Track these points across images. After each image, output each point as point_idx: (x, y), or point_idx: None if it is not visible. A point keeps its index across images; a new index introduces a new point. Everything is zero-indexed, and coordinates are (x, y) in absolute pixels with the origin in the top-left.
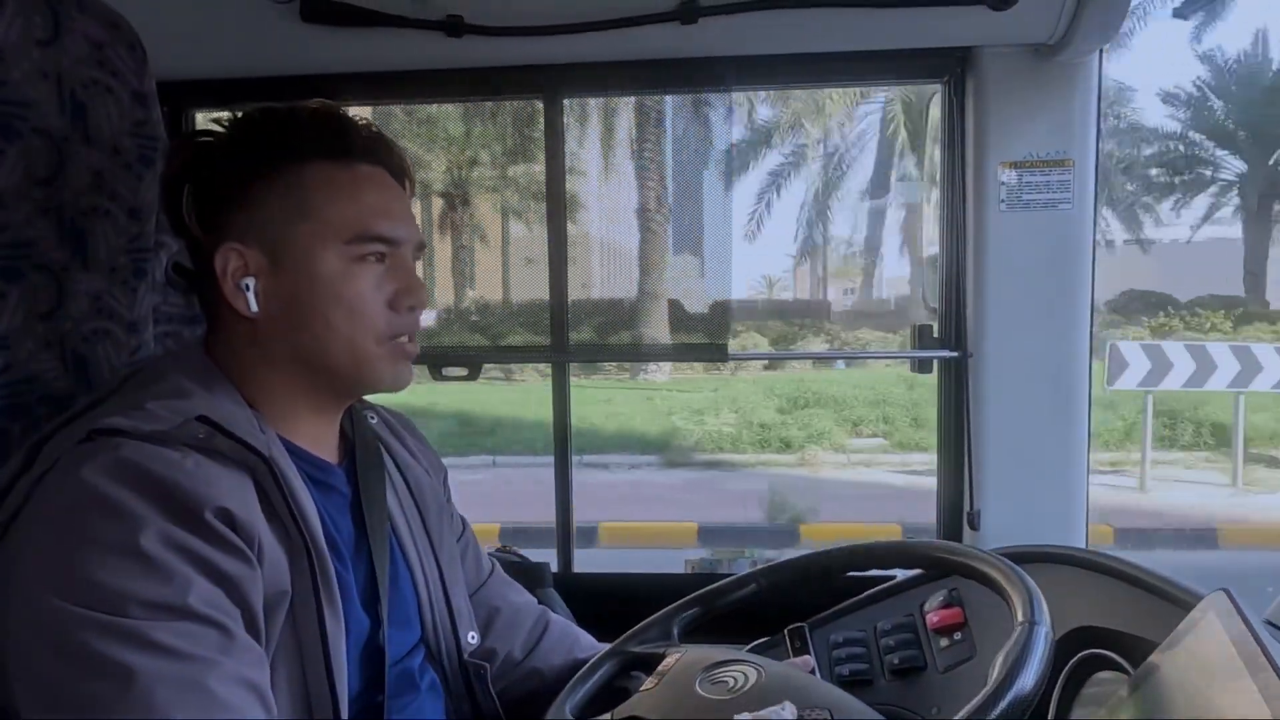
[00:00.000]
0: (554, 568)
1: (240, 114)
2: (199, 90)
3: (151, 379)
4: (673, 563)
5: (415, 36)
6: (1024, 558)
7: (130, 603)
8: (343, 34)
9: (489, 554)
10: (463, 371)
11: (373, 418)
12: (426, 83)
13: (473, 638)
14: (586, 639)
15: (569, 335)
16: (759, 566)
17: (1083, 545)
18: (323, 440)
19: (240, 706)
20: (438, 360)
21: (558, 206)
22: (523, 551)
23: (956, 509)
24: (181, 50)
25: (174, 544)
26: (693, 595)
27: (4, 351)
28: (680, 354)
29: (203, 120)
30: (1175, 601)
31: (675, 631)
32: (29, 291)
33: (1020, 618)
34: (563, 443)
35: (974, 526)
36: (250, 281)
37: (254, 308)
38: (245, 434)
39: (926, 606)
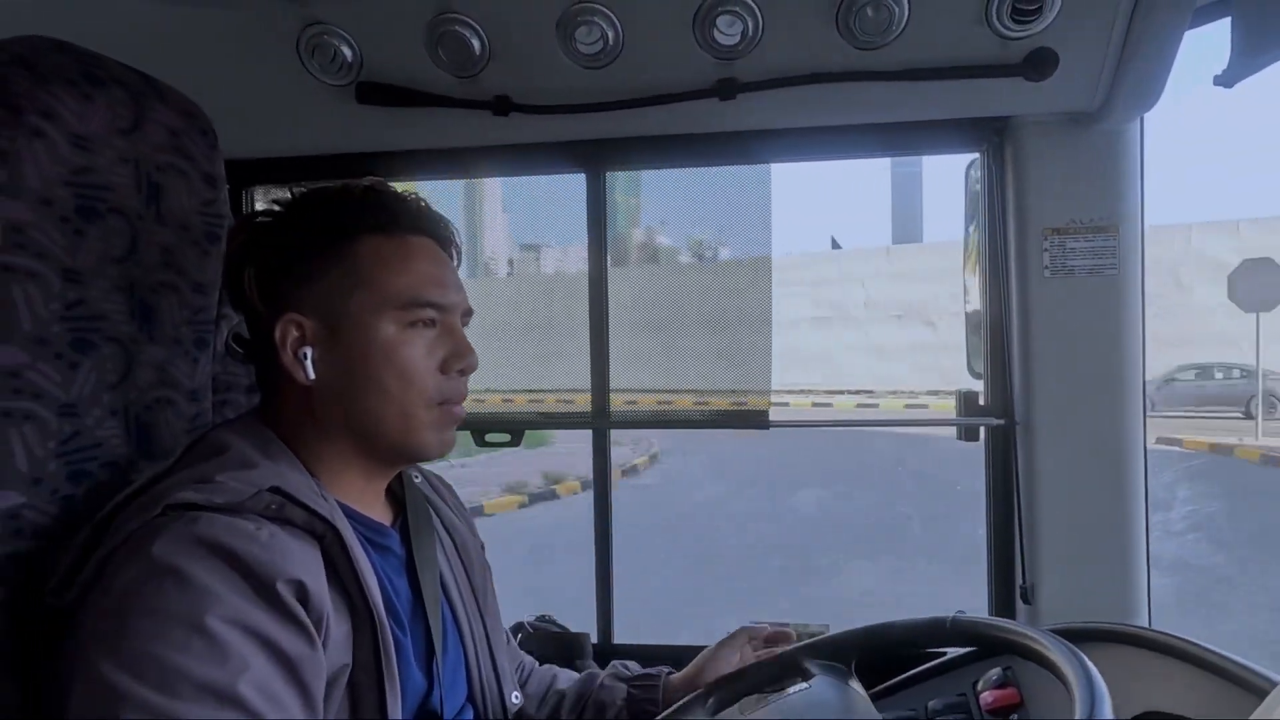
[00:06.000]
0: (594, 639)
1: (295, 195)
2: (260, 169)
3: (215, 449)
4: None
5: (463, 115)
6: (1084, 636)
7: (181, 680)
8: (394, 114)
9: (529, 622)
10: (505, 437)
11: (417, 477)
12: (474, 159)
13: (516, 698)
14: (565, 673)
15: (610, 402)
16: (810, 640)
17: (1145, 623)
18: (376, 503)
19: None
20: (480, 426)
21: (600, 277)
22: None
23: (1008, 582)
24: (244, 132)
25: (240, 622)
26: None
27: (73, 419)
28: (721, 421)
29: (261, 197)
30: (1247, 687)
31: (808, 666)
32: (100, 362)
33: (1079, 714)
34: (603, 511)
35: (1027, 601)
36: (308, 351)
37: (311, 375)
38: (313, 503)
39: (980, 686)
